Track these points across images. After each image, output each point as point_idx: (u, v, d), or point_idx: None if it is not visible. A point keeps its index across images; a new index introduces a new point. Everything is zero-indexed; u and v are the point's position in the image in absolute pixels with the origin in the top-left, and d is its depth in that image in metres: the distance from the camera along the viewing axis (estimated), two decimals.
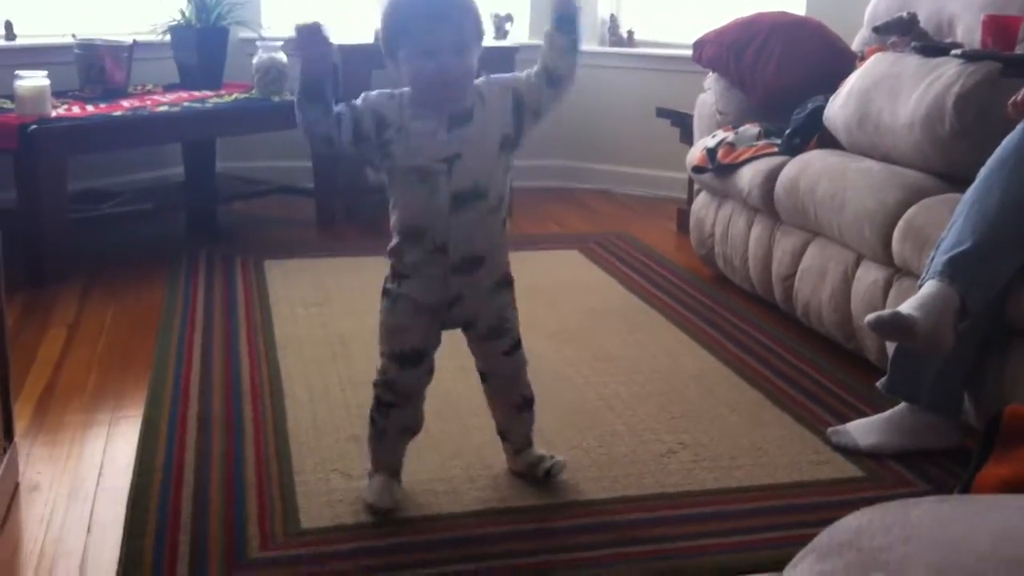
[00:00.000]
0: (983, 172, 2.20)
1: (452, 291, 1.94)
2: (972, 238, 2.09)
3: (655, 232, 4.26)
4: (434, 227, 1.89)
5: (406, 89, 1.88)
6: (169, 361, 2.71)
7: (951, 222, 2.17)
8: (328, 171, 4.19)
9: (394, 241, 1.95)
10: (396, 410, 1.99)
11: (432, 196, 1.87)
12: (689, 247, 3.78)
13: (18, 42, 4.08)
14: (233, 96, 4.08)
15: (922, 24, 3.21)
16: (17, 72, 3.43)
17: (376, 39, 1.89)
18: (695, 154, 3.54)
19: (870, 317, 2.01)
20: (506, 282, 2.02)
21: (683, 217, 4.13)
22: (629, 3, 5.06)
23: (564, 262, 3.76)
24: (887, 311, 2.01)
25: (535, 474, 2.09)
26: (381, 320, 1.98)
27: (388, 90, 1.90)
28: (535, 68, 1.91)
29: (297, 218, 4.35)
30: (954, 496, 1.19)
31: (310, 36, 1.82)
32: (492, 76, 1.92)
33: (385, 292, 1.97)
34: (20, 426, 2.28)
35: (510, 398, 2.09)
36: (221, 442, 2.26)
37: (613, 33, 5.03)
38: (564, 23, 1.91)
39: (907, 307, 2.00)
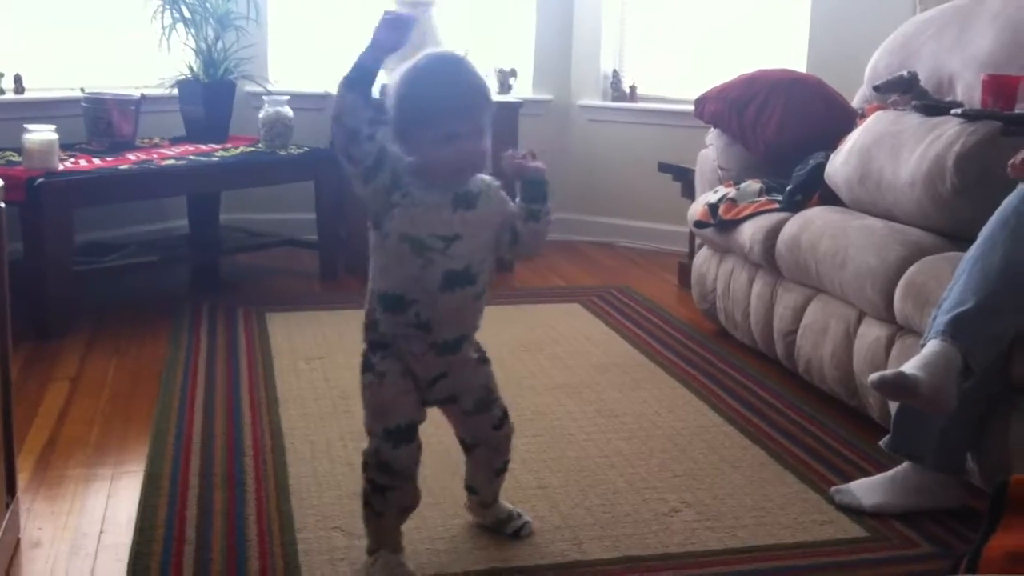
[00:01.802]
0: (985, 231, 2.21)
1: (433, 369, 1.92)
2: (974, 298, 2.10)
3: (657, 285, 4.27)
4: (420, 302, 1.86)
5: (410, 158, 1.84)
6: (171, 415, 2.71)
7: (953, 281, 2.18)
8: (331, 224, 4.21)
9: (371, 308, 1.90)
10: (393, 492, 1.92)
11: (424, 271, 1.84)
12: (691, 301, 3.79)
13: (27, 95, 4.12)
14: (239, 149, 4.11)
15: (922, 82, 3.24)
16: (26, 126, 3.46)
17: (385, 104, 1.85)
18: (697, 209, 3.56)
19: (874, 377, 2.02)
20: (486, 357, 2.02)
21: (684, 271, 4.14)
22: (631, 59, 5.12)
23: (566, 315, 3.76)
24: (890, 371, 2.01)
25: (502, 531, 2.10)
26: (367, 399, 1.92)
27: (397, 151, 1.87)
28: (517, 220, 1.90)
29: (300, 270, 4.37)
30: None
31: (399, 24, 1.77)
32: (495, 184, 1.90)
33: (367, 367, 1.92)
34: (22, 480, 2.27)
35: (494, 465, 2.09)
36: (223, 498, 2.25)
37: (616, 88, 5.07)
38: (526, 192, 1.89)
39: (910, 367, 2.01)
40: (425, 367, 1.91)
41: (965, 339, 2.05)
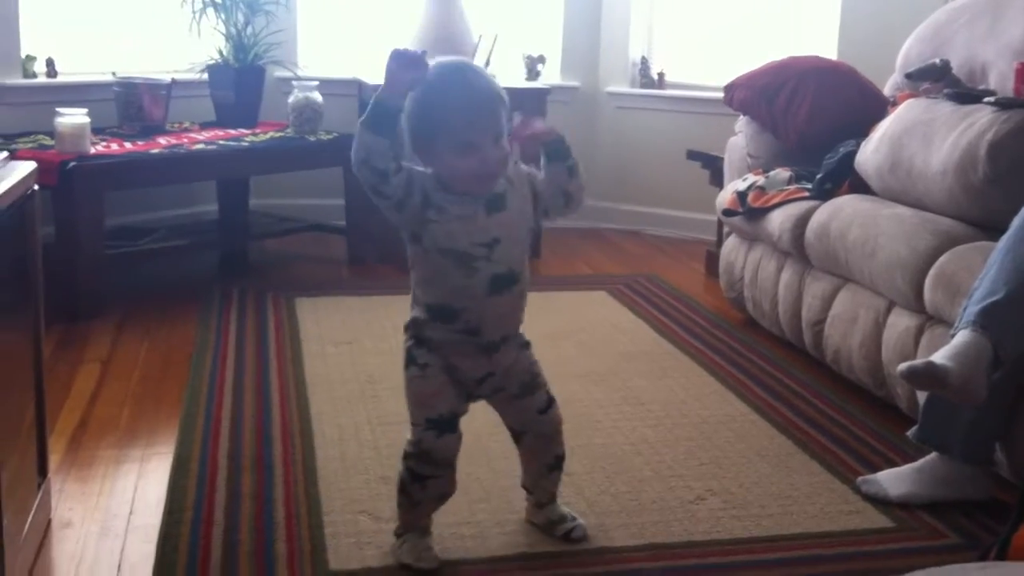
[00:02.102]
0: (1016, 221, 2.19)
1: (482, 368, 1.92)
2: (1005, 288, 2.08)
3: (684, 274, 4.26)
4: (468, 309, 1.86)
5: (431, 171, 1.84)
6: (200, 398, 2.73)
7: (984, 271, 2.16)
8: (360, 209, 4.22)
9: (420, 315, 1.91)
10: (433, 480, 1.93)
11: (470, 279, 1.84)
12: (718, 290, 3.77)
13: (59, 79, 4.15)
14: (268, 135, 4.13)
15: (955, 71, 3.21)
16: (58, 109, 3.50)
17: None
18: (725, 197, 3.55)
19: (903, 367, 2.01)
20: (527, 342, 2.01)
21: (712, 259, 4.13)
22: (660, 45, 5.09)
23: (593, 303, 3.76)
24: (920, 361, 2.00)
25: (553, 532, 2.06)
26: (411, 390, 1.93)
27: (420, 168, 1.85)
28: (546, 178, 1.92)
29: (329, 256, 4.39)
30: (993, 564, 1.18)
31: (410, 62, 1.77)
32: (514, 169, 1.90)
33: (411, 360, 1.92)
34: (53, 461, 2.30)
35: (544, 458, 2.06)
36: (251, 481, 2.27)
37: (644, 75, 5.05)
38: (553, 154, 1.91)
39: (940, 357, 1.99)
40: (474, 367, 1.92)
41: (996, 329, 2.03)
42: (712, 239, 4.36)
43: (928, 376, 1.97)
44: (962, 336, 2.04)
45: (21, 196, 1.86)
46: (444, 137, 1.80)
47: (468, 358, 1.91)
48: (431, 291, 1.89)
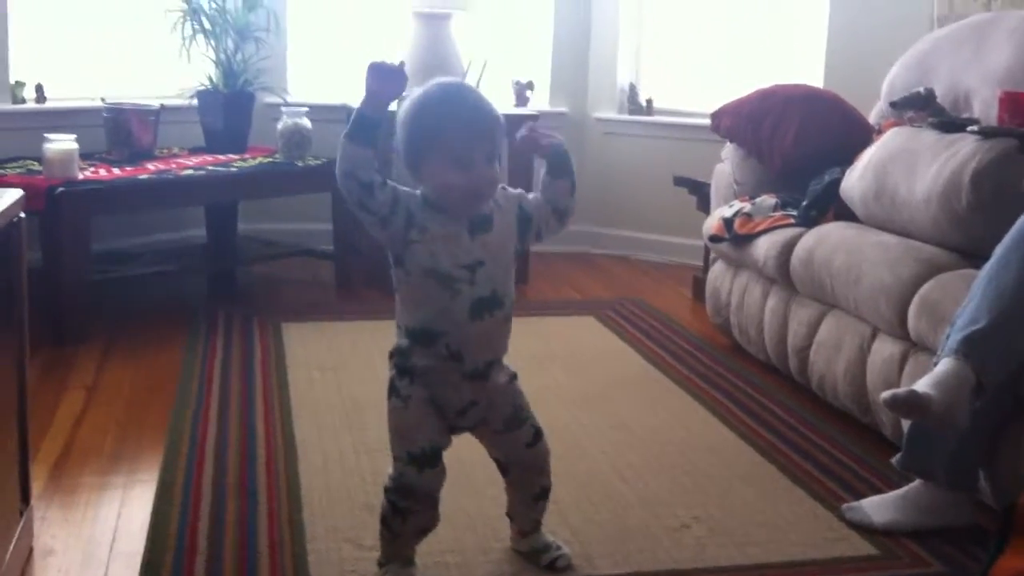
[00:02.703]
0: (999, 250, 2.20)
1: (465, 398, 1.90)
2: (988, 316, 2.09)
3: (671, 299, 4.27)
4: (450, 333, 1.85)
5: (418, 191, 1.85)
6: (185, 424, 2.73)
7: (967, 300, 2.17)
8: (347, 234, 4.23)
9: (402, 342, 1.89)
10: (414, 515, 1.91)
11: (452, 302, 1.83)
12: (704, 314, 3.78)
13: (48, 105, 4.16)
14: (257, 160, 4.14)
15: (939, 99, 3.24)
16: (46, 135, 3.50)
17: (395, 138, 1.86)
18: (712, 223, 3.56)
19: (886, 395, 2.01)
20: (514, 375, 1.99)
21: (699, 284, 4.14)
22: (648, 71, 5.12)
23: (580, 328, 3.77)
24: (902, 389, 2.00)
25: (538, 561, 2.05)
26: (392, 422, 1.91)
27: (405, 187, 1.85)
28: (539, 197, 1.93)
29: (316, 280, 4.39)
30: None
31: (390, 74, 1.77)
32: (501, 192, 1.90)
33: (393, 391, 1.90)
34: (36, 487, 2.29)
35: (531, 489, 2.04)
36: (235, 508, 2.26)
37: (632, 101, 5.08)
38: (556, 169, 1.92)
39: (922, 385, 2.00)
40: (457, 396, 1.90)
41: (978, 357, 2.04)
42: (699, 264, 4.38)
43: (911, 404, 1.98)
44: (945, 364, 2.05)
45: (7, 224, 1.86)
46: (440, 149, 1.80)
47: (450, 386, 1.89)
48: (414, 314, 1.87)
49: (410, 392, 1.89)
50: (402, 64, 1.79)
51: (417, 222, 1.82)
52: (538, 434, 2.01)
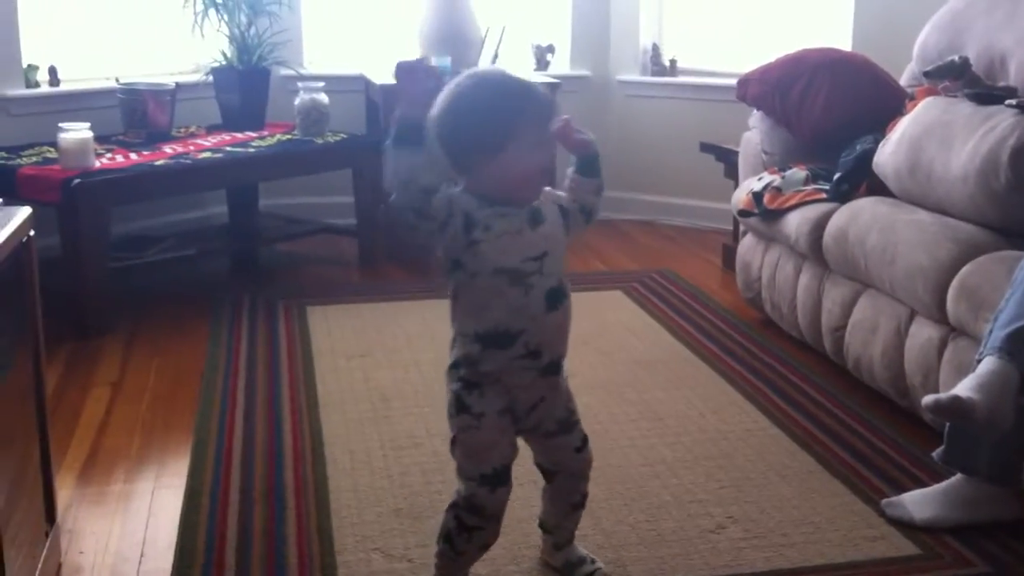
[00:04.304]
0: None
1: (537, 395, 1.84)
2: None
3: (700, 267, 4.20)
4: (528, 330, 1.77)
5: (461, 188, 1.77)
6: (212, 423, 2.70)
7: (1009, 292, 2.10)
8: (370, 210, 4.17)
9: (471, 350, 1.79)
10: (480, 532, 1.85)
11: (526, 297, 1.76)
12: (735, 285, 3.71)
13: (62, 87, 4.09)
14: (276, 137, 4.07)
15: (973, 60, 3.12)
16: (60, 125, 3.44)
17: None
18: (740, 197, 3.48)
19: (928, 400, 1.95)
20: (567, 374, 1.93)
21: (729, 253, 4.07)
22: (671, 31, 5.00)
23: (608, 304, 3.71)
24: (945, 395, 1.94)
25: (571, 574, 2.01)
26: (463, 442, 1.82)
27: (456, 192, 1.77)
28: (567, 195, 1.87)
29: (339, 257, 4.34)
30: None
31: (410, 73, 1.72)
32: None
33: (463, 407, 1.81)
34: (63, 498, 2.28)
35: (572, 497, 1.99)
36: (262, 515, 2.24)
37: (655, 62, 4.97)
38: (587, 167, 1.86)
39: (965, 389, 1.93)
40: (529, 394, 1.84)
41: (1022, 356, 1.97)
42: (727, 228, 4.29)
43: (954, 410, 1.91)
44: (987, 364, 1.98)
45: (16, 247, 1.81)
46: (521, 136, 1.71)
47: (527, 386, 1.82)
48: (484, 317, 1.78)
49: (483, 408, 1.80)
50: (424, 59, 1.73)
51: (479, 220, 1.74)
52: (586, 439, 1.96)
